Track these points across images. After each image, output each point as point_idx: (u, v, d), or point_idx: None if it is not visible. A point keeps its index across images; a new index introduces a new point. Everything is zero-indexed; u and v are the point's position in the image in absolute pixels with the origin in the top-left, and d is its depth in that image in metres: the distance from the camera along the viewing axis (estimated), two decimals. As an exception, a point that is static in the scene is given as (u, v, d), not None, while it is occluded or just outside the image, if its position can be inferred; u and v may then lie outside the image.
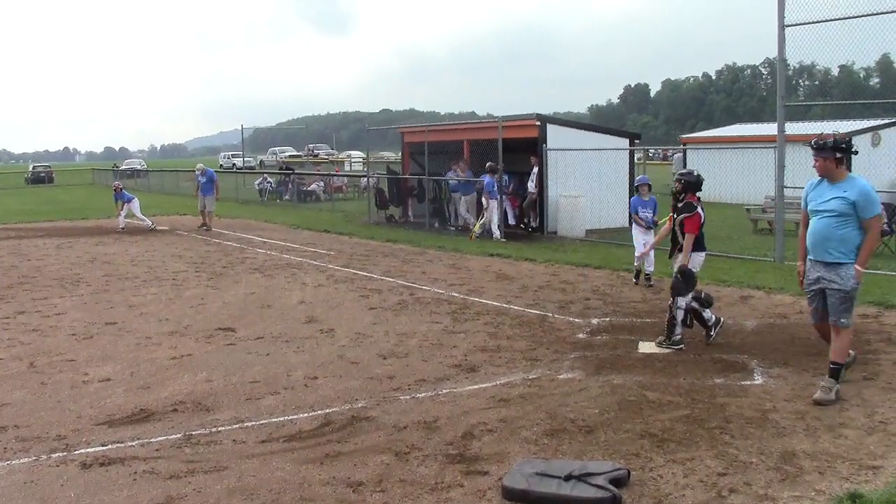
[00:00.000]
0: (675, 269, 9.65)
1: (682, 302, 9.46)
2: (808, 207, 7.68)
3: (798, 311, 11.22)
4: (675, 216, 9.91)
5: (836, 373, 7.42)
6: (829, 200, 7.46)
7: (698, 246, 9.81)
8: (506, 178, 21.00)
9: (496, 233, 20.62)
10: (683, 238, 9.72)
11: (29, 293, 14.01)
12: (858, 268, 7.32)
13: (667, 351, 9.26)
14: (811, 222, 7.61)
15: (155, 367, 9.07)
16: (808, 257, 7.65)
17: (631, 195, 22.47)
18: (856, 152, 7.58)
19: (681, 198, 9.82)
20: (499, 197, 20.65)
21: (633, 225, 14.06)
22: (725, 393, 7.68)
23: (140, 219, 25.62)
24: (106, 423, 7.15)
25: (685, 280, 9.49)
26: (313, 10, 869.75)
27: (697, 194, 9.86)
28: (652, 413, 7.07)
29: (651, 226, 13.60)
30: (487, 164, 21.06)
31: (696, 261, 9.80)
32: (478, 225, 20.98)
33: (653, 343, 9.58)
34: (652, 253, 13.39)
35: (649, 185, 13.98)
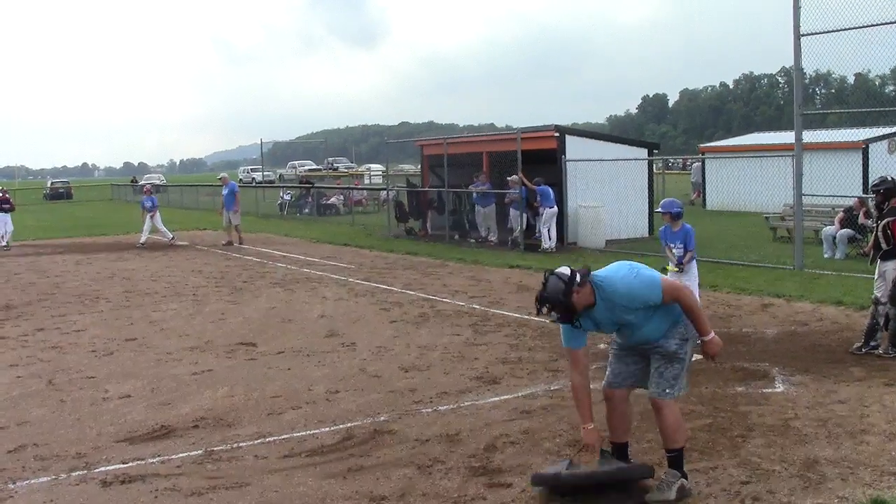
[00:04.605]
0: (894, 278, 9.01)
1: None
2: None
3: (818, 318, 11.16)
4: (877, 223, 9.37)
5: (676, 462, 5.58)
6: None
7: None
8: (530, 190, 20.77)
9: (547, 242, 20.37)
10: (888, 244, 9.15)
11: (48, 310, 14.00)
12: None
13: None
14: None
15: (176, 382, 9.03)
16: None
17: (651, 205, 22.41)
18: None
19: (885, 206, 9.24)
20: (554, 206, 20.39)
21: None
22: (747, 401, 7.61)
23: (162, 231, 25.73)
24: (126, 440, 7.11)
25: None
26: (342, 22, 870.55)
27: None
28: (676, 423, 6.96)
29: (680, 265, 10.34)
30: (535, 179, 20.66)
31: None
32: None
33: None
34: None
35: (678, 214, 10.36)
